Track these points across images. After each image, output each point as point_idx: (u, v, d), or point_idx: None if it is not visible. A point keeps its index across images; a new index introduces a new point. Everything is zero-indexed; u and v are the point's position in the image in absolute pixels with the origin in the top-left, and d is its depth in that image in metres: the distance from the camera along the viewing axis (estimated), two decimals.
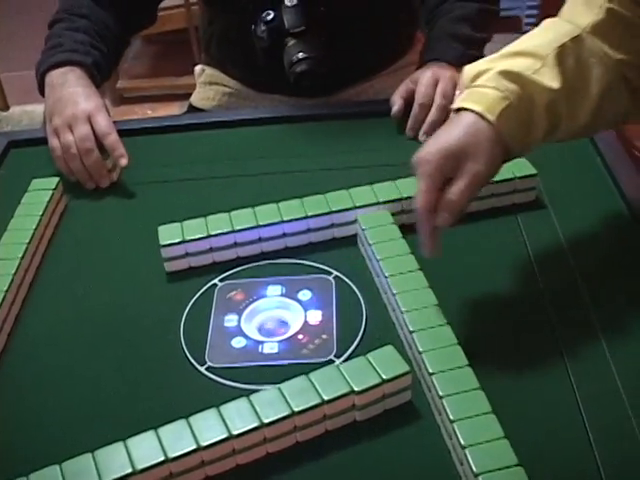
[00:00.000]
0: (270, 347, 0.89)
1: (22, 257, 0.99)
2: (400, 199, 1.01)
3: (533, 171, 1.04)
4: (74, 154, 1.15)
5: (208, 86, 1.50)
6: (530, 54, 0.85)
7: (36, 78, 1.25)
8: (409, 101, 1.23)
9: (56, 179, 1.13)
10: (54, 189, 1.12)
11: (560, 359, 0.84)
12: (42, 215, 1.07)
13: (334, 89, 1.41)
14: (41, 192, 1.11)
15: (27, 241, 1.02)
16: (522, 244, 1.00)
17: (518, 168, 1.04)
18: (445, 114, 1.17)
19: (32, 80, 1.25)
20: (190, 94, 1.56)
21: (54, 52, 1.24)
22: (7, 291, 0.94)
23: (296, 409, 0.76)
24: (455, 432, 0.73)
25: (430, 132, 1.17)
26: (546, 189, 1.08)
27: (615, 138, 1.17)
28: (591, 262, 0.97)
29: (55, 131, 1.18)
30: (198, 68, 1.54)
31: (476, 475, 0.69)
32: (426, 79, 1.21)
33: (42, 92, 1.24)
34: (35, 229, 1.04)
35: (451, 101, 1.18)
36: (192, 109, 1.52)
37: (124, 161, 1.16)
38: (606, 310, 0.90)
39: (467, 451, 0.71)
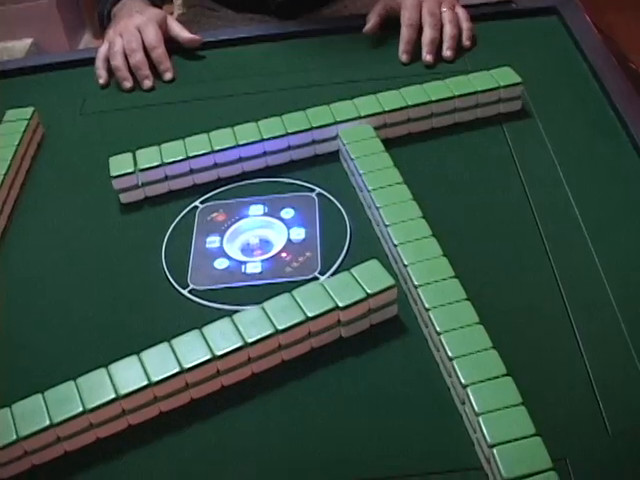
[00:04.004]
0: (253, 267, 0.87)
1: None
2: (382, 112, 0.99)
3: (518, 79, 1.02)
4: (117, 51, 1.19)
5: (187, 8, 1.47)
6: None
7: (100, 22, 1.33)
8: (386, 19, 1.21)
9: (31, 109, 1.10)
10: (29, 119, 1.09)
11: (549, 269, 0.83)
12: (18, 145, 1.04)
13: (308, 9, 1.39)
14: (16, 122, 1.08)
15: (4, 172, 0.99)
16: (508, 154, 0.98)
17: (502, 77, 1.02)
18: (438, 31, 1.15)
19: (11, 15, 1.23)
20: None
21: None
22: None
23: (280, 327, 0.74)
24: (442, 344, 0.72)
25: (433, 51, 1.15)
26: (532, 98, 1.05)
27: (601, 42, 1.15)
28: (579, 171, 0.95)
29: (107, 40, 1.22)
30: None
31: (464, 386, 0.68)
32: (410, 1, 1.18)
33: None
34: (12, 160, 1.02)
35: (439, 19, 1.15)
36: None
37: (169, 75, 1.19)
38: (595, 219, 0.88)
39: (455, 362, 0.70)
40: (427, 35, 1.16)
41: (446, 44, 1.15)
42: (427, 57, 1.15)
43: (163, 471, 0.71)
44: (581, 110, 1.04)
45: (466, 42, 1.17)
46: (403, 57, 1.16)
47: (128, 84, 1.18)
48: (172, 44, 1.24)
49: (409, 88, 1.01)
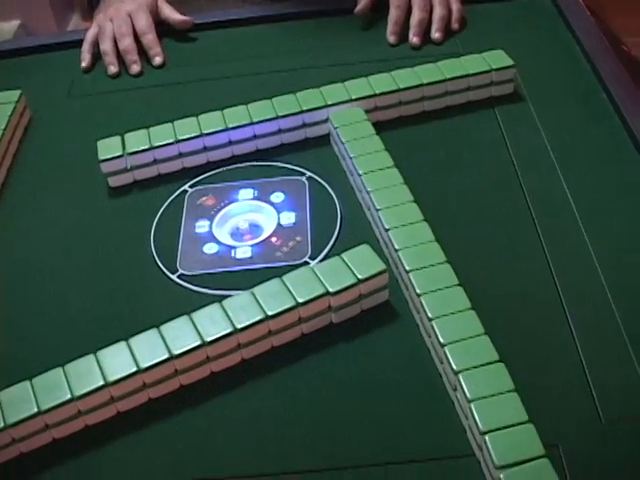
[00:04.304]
0: (243, 251, 0.86)
1: None
2: (373, 95, 0.98)
3: (510, 62, 1.01)
4: (107, 35, 1.19)
5: None
6: None
7: (88, 3, 1.29)
8: (377, 0, 1.19)
9: (18, 92, 1.09)
10: (16, 102, 1.07)
11: (542, 255, 0.82)
12: (5, 129, 1.03)
13: None
14: (3, 106, 1.06)
15: None
16: (500, 138, 0.97)
17: (494, 60, 1.01)
18: (427, 13, 1.14)
19: None
20: None
21: None
22: None
23: (270, 313, 0.74)
24: (434, 330, 0.71)
25: (421, 33, 1.14)
26: (524, 81, 1.04)
27: (593, 25, 1.14)
28: (571, 155, 0.94)
29: (96, 24, 1.22)
30: None
31: (456, 372, 0.68)
32: None
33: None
34: None
35: (429, 0, 1.14)
36: None
37: (158, 59, 1.18)
38: (588, 203, 0.87)
39: (446, 349, 0.69)
40: (415, 16, 1.14)
41: (435, 25, 1.14)
42: (413, 39, 1.14)
43: (153, 458, 0.70)
44: (573, 93, 1.03)
45: (454, 25, 1.16)
46: (391, 38, 1.15)
47: (114, 69, 1.17)
48: (163, 27, 1.23)
49: (400, 71, 1.00)
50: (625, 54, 1.16)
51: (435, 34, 1.14)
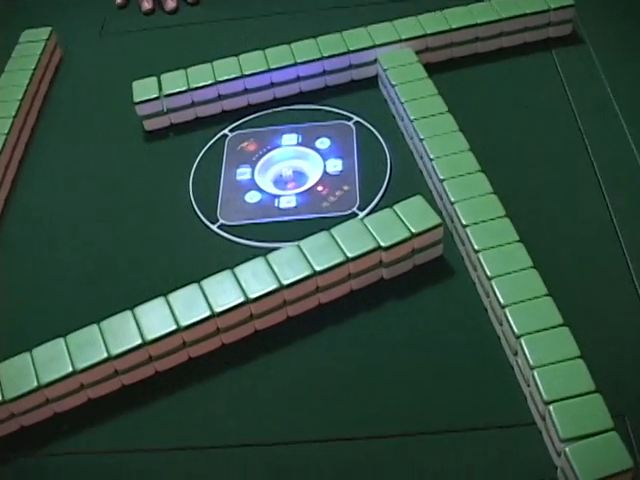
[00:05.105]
0: (287, 201, 0.82)
1: (15, 116, 0.92)
2: (424, 35, 0.92)
3: (570, 1, 0.94)
4: None
5: None
6: None
7: None
8: None
9: (48, 29, 1.05)
10: (47, 39, 1.03)
11: (604, 207, 0.77)
12: (35, 69, 0.99)
13: None
14: (33, 44, 1.03)
15: (20, 97, 0.94)
16: (559, 82, 0.92)
17: None
18: None
19: None
20: None
21: None
22: (1, 152, 0.87)
23: (318, 268, 0.69)
24: (493, 289, 0.66)
25: None
26: (583, 22, 0.98)
27: None
28: (634, 101, 0.88)
29: None
30: None
31: (518, 336, 0.63)
32: None
33: None
34: (28, 85, 0.96)
35: None
36: None
37: None
38: None
39: (507, 310, 0.65)
40: None
41: None
42: None
43: (193, 419, 0.66)
44: (636, 36, 0.97)
45: None
46: None
47: (147, 5, 1.12)
48: None
49: (453, 9, 0.95)
50: None
51: None
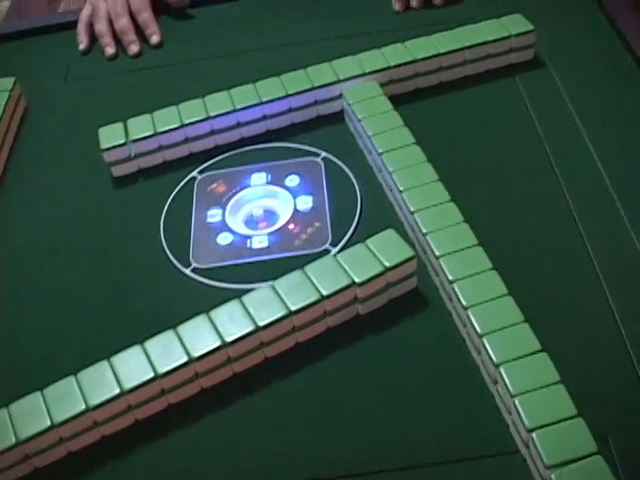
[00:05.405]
0: (259, 241, 0.81)
1: None
2: (388, 68, 0.93)
3: (530, 27, 0.95)
4: (102, 15, 1.14)
5: None
6: None
7: None
8: None
9: (12, 79, 1.04)
10: (11, 90, 1.02)
11: (575, 227, 0.78)
12: (0, 120, 0.98)
13: None
14: None
15: None
16: (523, 106, 0.92)
17: (513, 25, 0.95)
18: None
19: None
20: None
21: None
22: None
23: (293, 308, 0.69)
24: (470, 319, 0.66)
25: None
26: (544, 46, 0.99)
27: None
28: (597, 120, 0.89)
29: (90, 2, 1.16)
30: None
31: (497, 365, 0.63)
32: None
33: None
34: None
35: None
36: None
37: (156, 38, 1.13)
38: (617, 169, 0.83)
39: (485, 339, 0.65)
40: None
41: None
42: (413, 2, 1.10)
43: (174, 466, 0.66)
44: (597, 57, 0.98)
45: None
46: (396, 6, 1.10)
47: (111, 50, 1.12)
48: (158, 4, 1.17)
49: (415, 40, 0.95)
50: None
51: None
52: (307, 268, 0.72)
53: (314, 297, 0.69)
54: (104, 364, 0.67)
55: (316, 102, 0.93)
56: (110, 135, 0.91)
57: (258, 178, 0.88)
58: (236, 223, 0.84)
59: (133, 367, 0.67)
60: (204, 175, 0.90)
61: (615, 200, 0.79)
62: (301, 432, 0.66)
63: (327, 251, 0.79)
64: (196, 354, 0.67)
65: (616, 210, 0.79)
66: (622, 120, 0.89)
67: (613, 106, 0.91)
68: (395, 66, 0.93)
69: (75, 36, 1.15)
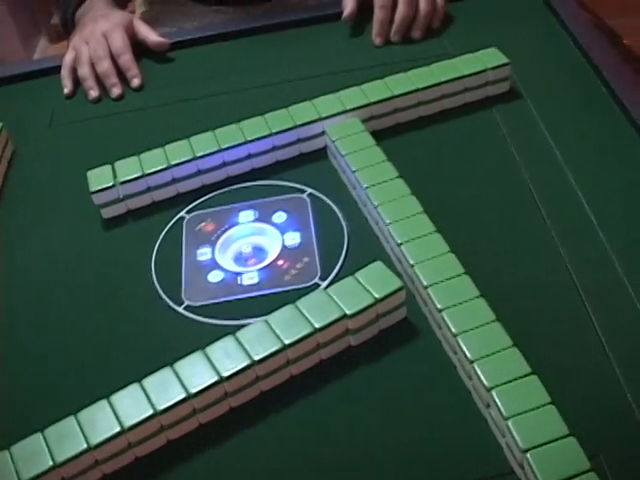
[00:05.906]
0: (249, 277, 0.83)
1: None
2: (369, 104, 0.95)
3: (505, 60, 0.98)
4: (84, 60, 1.15)
5: (148, 5, 1.42)
6: None
7: (64, 27, 1.29)
8: (362, 4, 1.16)
9: None
10: None
11: (559, 257, 0.80)
12: None
13: None
14: None
15: None
16: (501, 137, 0.95)
17: (489, 58, 0.98)
18: (412, 9, 1.11)
19: None
20: None
21: None
22: None
23: (287, 341, 0.70)
24: (460, 346, 0.68)
25: (401, 31, 1.12)
26: (520, 78, 1.02)
27: (582, 13, 1.12)
28: (575, 149, 0.91)
29: (72, 48, 1.18)
30: None
31: (489, 389, 0.65)
32: None
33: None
34: None
35: None
36: None
37: (137, 81, 1.15)
38: (597, 197, 0.85)
39: (475, 365, 0.66)
40: (399, 12, 1.12)
41: (416, 23, 1.12)
42: (394, 37, 1.12)
43: None
44: (571, 87, 1.01)
45: (435, 23, 1.14)
46: (377, 40, 1.13)
47: (94, 94, 1.13)
48: (139, 47, 1.19)
49: (394, 77, 0.98)
50: (625, 48, 1.13)
51: (415, 32, 1.12)
52: (299, 302, 0.73)
53: (307, 330, 0.71)
54: (103, 403, 0.68)
55: (299, 140, 0.95)
56: (99, 177, 0.92)
57: (246, 216, 0.90)
58: (226, 261, 0.85)
59: (132, 405, 0.68)
60: (192, 214, 0.91)
61: (595, 226, 0.82)
62: (298, 463, 0.67)
63: (317, 285, 0.80)
64: (194, 390, 0.68)
65: (596, 235, 0.81)
66: (598, 148, 0.91)
67: (589, 134, 0.93)
68: (375, 102, 0.95)
69: (58, 81, 1.16)
